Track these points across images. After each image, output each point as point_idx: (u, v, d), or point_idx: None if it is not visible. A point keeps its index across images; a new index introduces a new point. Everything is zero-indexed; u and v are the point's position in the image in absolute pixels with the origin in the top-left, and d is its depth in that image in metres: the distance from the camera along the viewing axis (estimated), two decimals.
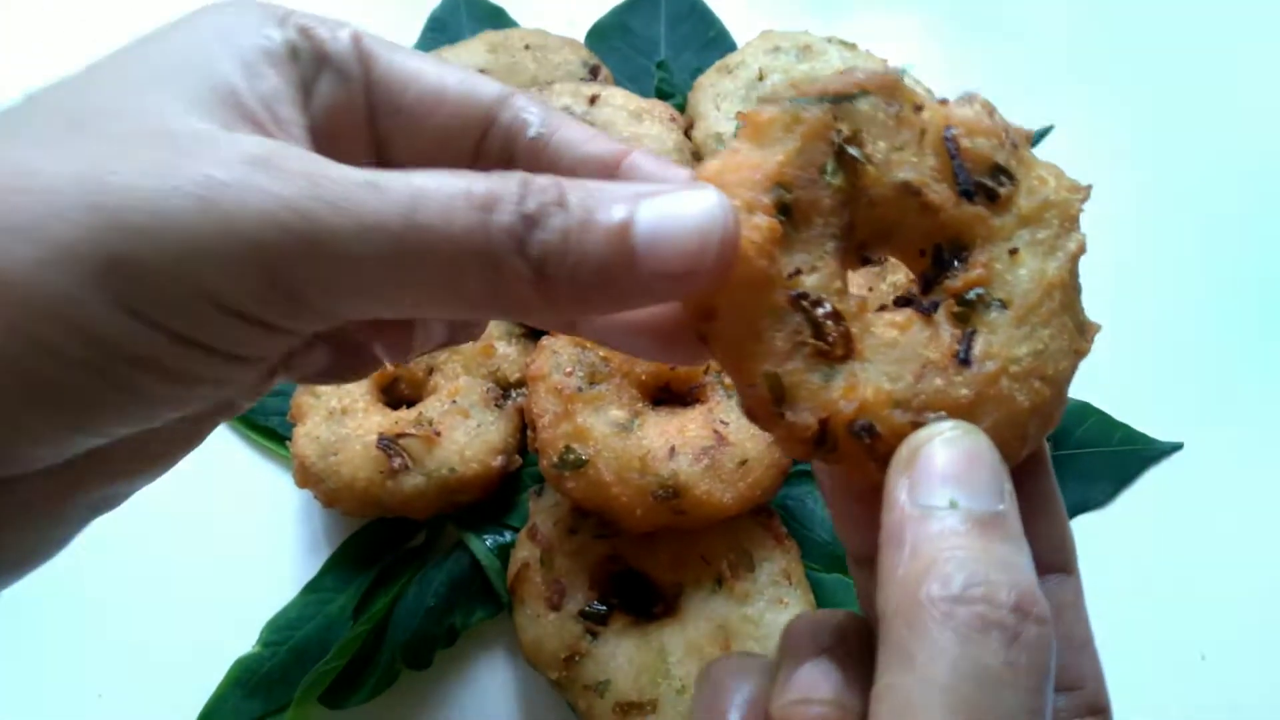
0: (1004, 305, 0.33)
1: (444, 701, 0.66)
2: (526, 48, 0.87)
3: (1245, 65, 0.95)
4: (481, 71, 0.86)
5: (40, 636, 0.69)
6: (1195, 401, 0.77)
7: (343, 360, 0.42)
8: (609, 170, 0.37)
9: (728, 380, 0.58)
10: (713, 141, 0.81)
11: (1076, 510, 0.71)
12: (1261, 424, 0.76)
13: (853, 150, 0.33)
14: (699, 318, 0.33)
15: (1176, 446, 0.74)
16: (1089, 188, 0.34)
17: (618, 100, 0.78)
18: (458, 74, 0.37)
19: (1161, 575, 0.70)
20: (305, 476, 0.68)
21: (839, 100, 0.33)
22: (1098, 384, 0.75)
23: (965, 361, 0.32)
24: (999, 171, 0.34)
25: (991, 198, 0.33)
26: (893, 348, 0.33)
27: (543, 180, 0.30)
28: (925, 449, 0.30)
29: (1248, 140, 0.90)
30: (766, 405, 0.32)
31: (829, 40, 0.85)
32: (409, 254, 0.29)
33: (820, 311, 0.32)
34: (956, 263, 0.34)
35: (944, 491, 0.29)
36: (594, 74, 0.85)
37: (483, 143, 0.37)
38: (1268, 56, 0.96)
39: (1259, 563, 0.70)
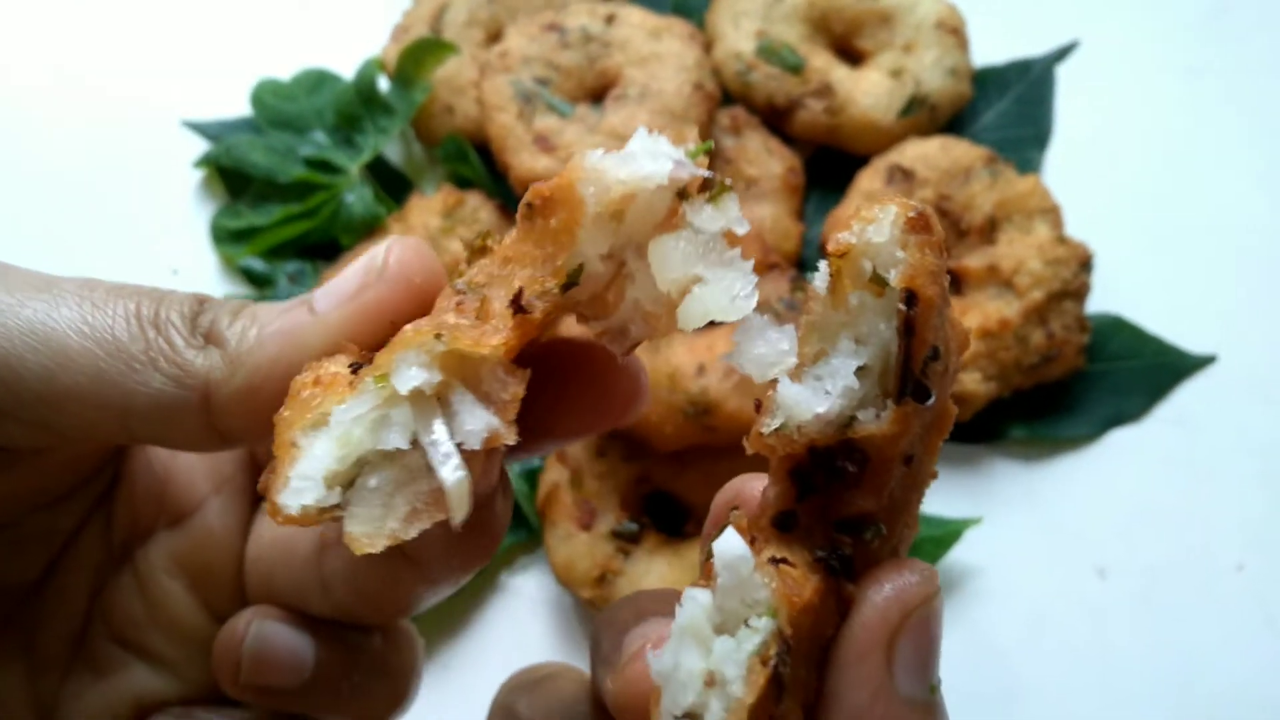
0: None
1: (477, 625, 0.67)
2: None
3: None
4: None
5: None
6: (1229, 313, 0.76)
7: None
8: None
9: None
10: (732, 60, 0.79)
11: (1110, 423, 0.70)
12: None
13: None
14: None
15: (1210, 359, 0.73)
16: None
17: (635, 19, 0.76)
18: None
19: (1196, 487, 0.69)
20: None
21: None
22: (1131, 297, 0.74)
23: None
24: None
25: None
26: None
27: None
28: (924, 621, 0.26)
29: None
30: None
31: None
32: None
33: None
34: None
35: (928, 676, 0.26)
36: None
37: None
38: None
39: None
